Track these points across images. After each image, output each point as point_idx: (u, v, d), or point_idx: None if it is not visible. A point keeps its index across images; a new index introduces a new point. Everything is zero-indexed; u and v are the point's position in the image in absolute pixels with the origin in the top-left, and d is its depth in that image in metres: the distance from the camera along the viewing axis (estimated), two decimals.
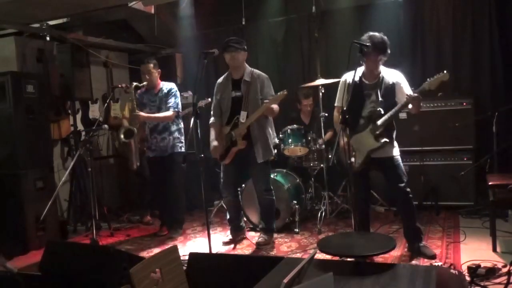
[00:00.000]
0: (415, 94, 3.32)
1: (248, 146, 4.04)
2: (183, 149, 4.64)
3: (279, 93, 3.90)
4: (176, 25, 6.15)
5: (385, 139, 3.48)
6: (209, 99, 4.94)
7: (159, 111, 4.62)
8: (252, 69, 4.16)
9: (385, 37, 3.47)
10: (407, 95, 3.38)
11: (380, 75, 3.55)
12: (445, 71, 3.28)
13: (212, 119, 4.28)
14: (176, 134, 4.66)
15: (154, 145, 4.65)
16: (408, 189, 3.58)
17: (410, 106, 3.42)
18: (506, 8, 4.95)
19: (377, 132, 3.49)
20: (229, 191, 4.29)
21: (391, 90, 3.53)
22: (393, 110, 3.44)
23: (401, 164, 3.64)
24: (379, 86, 3.54)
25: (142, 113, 4.54)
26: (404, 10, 5.34)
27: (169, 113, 4.57)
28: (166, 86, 4.69)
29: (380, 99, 3.51)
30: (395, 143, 3.62)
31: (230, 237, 4.37)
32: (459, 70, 5.20)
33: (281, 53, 6.10)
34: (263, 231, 4.27)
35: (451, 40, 5.22)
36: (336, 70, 5.25)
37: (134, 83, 4.63)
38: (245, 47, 4.12)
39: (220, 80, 4.27)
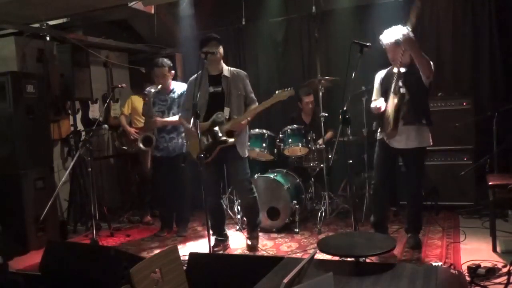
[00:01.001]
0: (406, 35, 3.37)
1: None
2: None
3: (279, 94, 3.80)
4: (176, 25, 6.15)
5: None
6: None
7: (169, 111, 4.62)
8: (229, 67, 4.12)
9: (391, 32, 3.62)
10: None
11: (409, 64, 3.65)
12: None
13: (182, 114, 4.18)
14: (183, 135, 4.64)
15: (162, 145, 4.64)
16: (417, 191, 3.71)
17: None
18: (506, 8, 4.95)
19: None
20: (212, 193, 4.05)
21: (414, 76, 3.59)
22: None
23: (424, 159, 3.78)
24: (403, 74, 3.63)
25: (158, 119, 4.54)
26: (404, 10, 5.32)
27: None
28: (178, 87, 4.68)
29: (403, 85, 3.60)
30: (427, 136, 3.68)
31: (216, 245, 4.17)
32: (459, 70, 5.20)
33: (281, 53, 6.09)
34: (250, 235, 4.16)
35: (451, 40, 5.22)
36: (336, 70, 5.26)
37: (152, 90, 4.59)
38: (221, 42, 4.04)
39: (192, 77, 4.12)
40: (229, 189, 5.01)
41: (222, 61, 4.08)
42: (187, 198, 4.82)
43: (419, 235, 3.88)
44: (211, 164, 4.01)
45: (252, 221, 4.19)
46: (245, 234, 4.49)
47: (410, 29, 3.38)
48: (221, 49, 4.00)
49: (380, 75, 3.89)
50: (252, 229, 4.18)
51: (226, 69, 4.06)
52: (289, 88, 3.82)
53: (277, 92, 3.85)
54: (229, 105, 3.93)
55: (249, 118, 3.97)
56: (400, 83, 3.58)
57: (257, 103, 4.04)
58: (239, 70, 4.13)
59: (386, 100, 3.71)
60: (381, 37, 3.72)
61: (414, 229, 3.85)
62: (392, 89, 3.59)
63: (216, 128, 3.93)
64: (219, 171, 4.19)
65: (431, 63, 3.55)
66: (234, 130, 3.92)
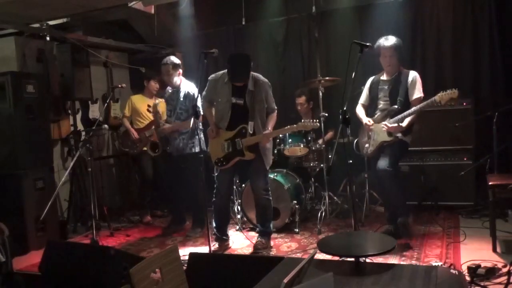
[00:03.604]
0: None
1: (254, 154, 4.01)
2: (196, 149, 4.54)
3: (309, 123, 3.90)
4: (176, 25, 6.15)
5: (396, 135, 3.88)
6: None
7: (174, 110, 4.64)
8: (252, 73, 4.03)
9: (392, 39, 3.92)
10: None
11: (395, 74, 3.96)
12: (455, 89, 3.59)
13: (203, 105, 4.22)
14: (186, 136, 4.61)
15: (170, 142, 4.70)
16: (392, 171, 3.85)
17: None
18: (506, 8, 4.95)
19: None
20: (222, 195, 4.14)
21: (398, 89, 3.91)
22: (406, 113, 3.80)
23: (401, 150, 3.97)
24: (391, 83, 3.96)
25: (166, 126, 4.64)
26: (404, 10, 5.34)
27: (190, 120, 4.45)
28: (185, 87, 4.65)
29: (387, 94, 3.95)
30: (407, 131, 3.93)
31: (216, 245, 4.19)
32: (459, 70, 5.20)
33: (281, 53, 6.09)
34: (260, 234, 4.18)
35: (451, 40, 5.21)
36: (336, 70, 5.26)
37: (156, 101, 4.86)
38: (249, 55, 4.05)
39: (215, 77, 4.10)
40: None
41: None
42: (198, 198, 4.68)
43: (406, 220, 3.96)
44: (229, 169, 4.09)
45: (262, 226, 4.17)
46: (245, 233, 4.51)
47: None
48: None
49: (370, 80, 4.18)
50: (262, 235, 4.15)
51: (250, 80, 3.97)
52: (315, 120, 3.94)
53: (302, 121, 3.96)
54: (253, 119, 3.94)
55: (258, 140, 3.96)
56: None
57: (275, 112, 4.10)
58: (262, 79, 4.05)
59: (372, 106, 4.05)
60: (382, 41, 3.91)
61: (392, 218, 4.02)
62: (379, 112, 3.99)
63: (238, 139, 3.96)
64: (234, 175, 4.25)
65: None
66: (249, 145, 3.95)
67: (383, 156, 3.93)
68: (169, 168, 4.81)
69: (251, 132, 3.95)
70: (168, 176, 4.87)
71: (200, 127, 4.63)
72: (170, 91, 4.73)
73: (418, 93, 3.89)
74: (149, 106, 5.26)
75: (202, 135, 4.52)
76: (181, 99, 4.61)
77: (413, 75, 3.94)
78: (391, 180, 3.87)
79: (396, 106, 3.86)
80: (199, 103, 4.33)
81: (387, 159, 3.87)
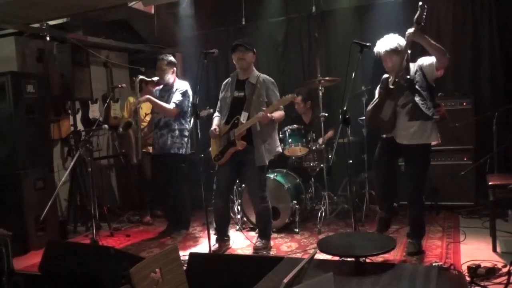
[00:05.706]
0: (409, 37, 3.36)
1: (247, 149, 3.91)
2: (182, 151, 4.54)
3: (282, 98, 3.83)
4: (176, 25, 6.15)
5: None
6: (211, 110, 4.84)
7: None
8: (260, 73, 4.06)
9: (387, 42, 3.61)
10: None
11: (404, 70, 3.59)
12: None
13: (216, 114, 4.23)
14: (176, 133, 4.57)
15: (156, 141, 4.64)
16: (418, 192, 3.62)
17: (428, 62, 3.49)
18: (506, 8, 4.96)
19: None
20: (221, 197, 4.07)
21: (415, 80, 3.54)
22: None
23: (427, 158, 3.65)
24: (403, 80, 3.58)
25: (146, 96, 4.57)
26: (404, 10, 5.33)
27: (170, 106, 4.49)
28: (178, 85, 4.64)
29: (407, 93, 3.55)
30: (433, 132, 3.58)
31: (217, 246, 4.16)
32: (459, 70, 5.20)
33: (281, 53, 6.09)
34: (260, 235, 4.16)
35: (451, 40, 5.21)
36: (336, 70, 5.27)
37: (140, 76, 4.74)
38: (254, 49, 4.03)
39: (226, 80, 4.21)
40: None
41: (253, 67, 4.06)
42: (183, 200, 4.73)
43: (421, 241, 3.71)
44: (226, 167, 4.02)
45: (262, 230, 4.14)
46: (245, 233, 4.51)
47: (415, 22, 3.33)
48: (249, 55, 3.96)
49: (383, 77, 3.82)
50: (262, 237, 4.12)
51: (254, 76, 4.01)
52: (289, 95, 3.85)
53: (280, 98, 3.87)
54: (247, 110, 3.90)
55: (248, 126, 3.87)
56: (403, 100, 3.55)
57: (280, 111, 3.98)
58: (267, 77, 4.05)
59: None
60: (376, 47, 3.65)
61: (414, 235, 3.71)
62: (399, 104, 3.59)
63: (232, 130, 3.93)
64: (233, 175, 4.16)
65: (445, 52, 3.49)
66: (241, 134, 3.88)
67: (408, 176, 3.69)
68: (157, 170, 4.78)
69: (243, 122, 3.89)
70: (157, 178, 4.81)
71: (185, 126, 4.60)
72: (157, 92, 4.73)
73: (429, 60, 3.56)
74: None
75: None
76: (172, 95, 4.59)
77: (417, 64, 3.62)
78: (416, 203, 3.67)
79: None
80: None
81: (413, 184, 3.63)
